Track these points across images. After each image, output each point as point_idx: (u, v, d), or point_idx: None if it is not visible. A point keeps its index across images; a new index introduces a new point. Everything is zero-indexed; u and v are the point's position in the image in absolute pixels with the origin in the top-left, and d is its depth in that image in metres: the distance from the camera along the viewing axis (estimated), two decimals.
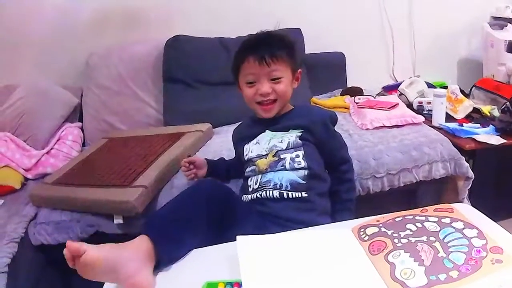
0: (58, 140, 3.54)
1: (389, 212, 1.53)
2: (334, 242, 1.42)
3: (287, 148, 2.13)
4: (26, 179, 3.30)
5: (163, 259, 1.54)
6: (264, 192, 2.05)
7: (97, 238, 2.69)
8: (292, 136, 2.16)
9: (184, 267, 1.50)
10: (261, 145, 2.22)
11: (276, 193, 2.02)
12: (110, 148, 3.36)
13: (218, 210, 1.76)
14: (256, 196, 2.08)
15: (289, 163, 2.08)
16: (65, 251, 1.42)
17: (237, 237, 1.43)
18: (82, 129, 3.84)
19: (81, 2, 3.89)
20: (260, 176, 2.14)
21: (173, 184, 2.72)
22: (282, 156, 2.12)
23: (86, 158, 3.26)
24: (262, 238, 1.46)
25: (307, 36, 3.86)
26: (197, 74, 3.64)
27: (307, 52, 3.92)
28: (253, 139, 2.29)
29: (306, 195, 2.01)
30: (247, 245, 1.40)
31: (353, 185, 2.40)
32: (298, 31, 3.86)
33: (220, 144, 3.06)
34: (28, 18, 3.85)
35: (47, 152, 3.43)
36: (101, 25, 3.98)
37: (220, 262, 1.45)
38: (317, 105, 2.68)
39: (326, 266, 1.31)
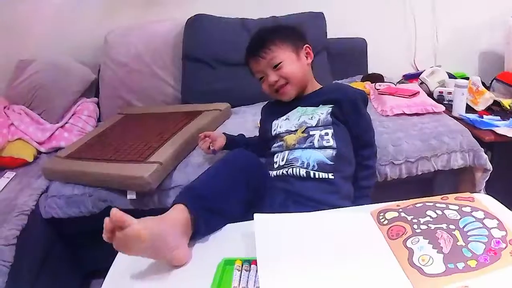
0: (73, 115, 3.57)
1: (405, 200, 1.52)
2: (353, 225, 1.41)
3: (317, 125, 2.14)
4: (39, 152, 3.33)
5: (201, 230, 1.54)
6: (291, 169, 2.03)
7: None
8: (323, 113, 2.17)
9: (201, 243, 1.50)
10: (291, 121, 2.24)
11: (303, 172, 2.01)
12: (125, 124, 3.36)
13: (253, 182, 1.77)
14: (282, 172, 2.07)
15: (318, 140, 2.09)
16: (107, 221, 1.38)
17: (255, 215, 1.42)
18: (98, 104, 3.86)
19: None
20: (287, 152, 2.13)
21: (188, 162, 2.72)
22: (311, 133, 2.12)
23: (100, 133, 3.26)
24: (279, 217, 1.45)
25: (329, 21, 3.82)
26: (217, 53, 3.63)
27: (329, 36, 3.89)
28: (283, 115, 2.32)
29: (332, 177, 1.99)
30: (264, 223, 1.40)
31: (373, 172, 2.36)
32: (321, 15, 3.83)
33: (238, 125, 3.05)
34: None
35: (62, 126, 3.46)
36: (121, 2, 3.99)
37: (237, 240, 1.45)
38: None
39: (343, 248, 1.30)
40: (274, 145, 2.26)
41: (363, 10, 4.15)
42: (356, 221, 1.43)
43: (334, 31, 3.93)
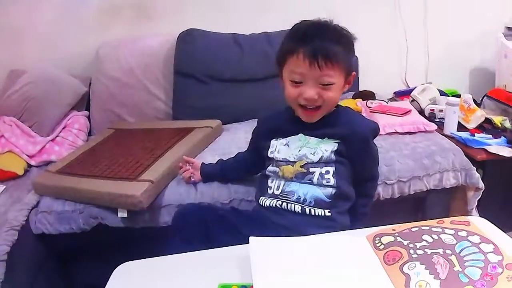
0: (64, 128, 3.54)
1: (397, 219, 1.53)
2: (348, 249, 1.40)
3: (318, 162, 1.97)
4: (30, 165, 3.31)
5: None
6: (285, 203, 1.97)
7: (99, 230, 2.69)
8: (327, 150, 1.97)
9: (195, 268, 1.47)
10: (290, 149, 2.05)
11: (298, 208, 1.94)
12: (116, 139, 3.35)
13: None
14: (276, 204, 2.00)
15: (318, 178, 1.96)
16: None
17: (250, 238, 1.41)
18: (88, 118, 3.84)
19: None
20: (283, 182, 2.03)
21: (180, 180, 2.71)
22: (311, 170, 1.97)
23: (91, 148, 3.25)
24: (275, 241, 1.44)
25: None
26: (209, 69, 3.61)
27: None
28: (283, 137, 2.10)
29: (329, 214, 1.93)
30: (259, 247, 1.39)
31: (372, 201, 2.29)
32: None
33: (230, 142, 3.06)
34: (40, 5, 3.86)
35: (52, 140, 3.43)
36: (113, 16, 3.98)
37: (232, 264, 1.43)
38: (359, 114, 2.40)
39: (339, 273, 1.29)
40: (269, 168, 2.11)
41: (354, 27, 4.14)
42: (352, 246, 1.42)
43: None
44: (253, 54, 3.61)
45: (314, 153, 1.99)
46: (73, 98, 3.70)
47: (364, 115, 3.30)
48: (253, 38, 3.73)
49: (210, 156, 2.90)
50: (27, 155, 3.29)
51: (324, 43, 1.86)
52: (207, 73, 3.61)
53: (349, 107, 2.22)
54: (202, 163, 2.62)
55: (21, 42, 3.92)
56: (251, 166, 2.42)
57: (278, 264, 1.33)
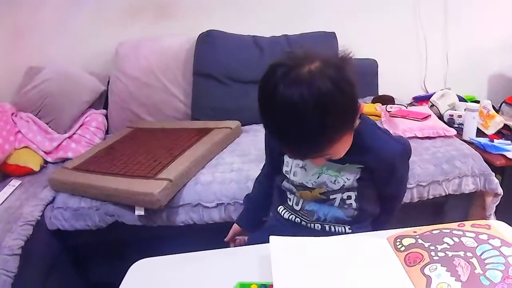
0: (81, 126, 3.57)
1: (416, 223, 1.51)
2: (369, 250, 1.40)
3: (340, 189, 1.76)
4: (46, 162, 3.33)
5: None
6: (305, 222, 1.87)
7: (115, 228, 2.72)
8: (350, 178, 1.73)
9: (215, 267, 1.47)
10: (308, 174, 1.80)
11: (318, 226, 1.85)
12: (135, 138, 3.36)
13: None
14: (295, 220, 1.90)
15: (339, 203, 1.79)
16: None
17: (270, 237, 1.40)
18: (106, 116, 3.85)
19: None
20: (302, 200, 1.86)
21: (198, 179, 2.72)
22: (331, 197, 1.79)
23: (109, 146, 3.26)
24: (295, 241, 1.43)
25: (341, 41, 3.83)
26: (228, 70, 3.61)
27: None
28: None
29: (350, 230, 1.84)
30: (280, 246, 1.38)
31: (392, 214, 2.02)
32: (332, 35, 3.85)
33: (249, 143, 3.06)
34: (60, 3, 3.89)
35: (69, 137, 3.46)
36: (133, 15, 4.00)
37: (252, 263, 1.43)
38: (384, 129, 1.91)
39: (359, 274, 1.29)
40: (285, 184, 1.91)
41: (375, 31, 4.16)
42: (373, 247, 1.41)
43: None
44: (273, 56, 3.57)
45: (335, 181, 1.76)
46: (91, 96, 3.71)
47: (383, 119, 3.30)
48: (273, 40, 3.72)
49: (229, 157, 2.93)
50: (43, 152, 3.32)
51: (306, 148, 1.49)
52: (227, 75, 3.61)
53: (374, 123, 1.80)
54: (235, 223, 2.24)
55: (40, 39, 3.95)
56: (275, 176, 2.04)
57: (298, 263, 1.33)
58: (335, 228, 1.83)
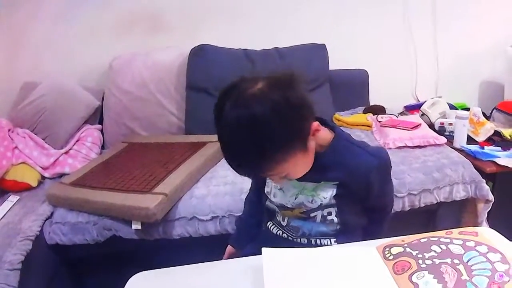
0: (77, 141, 3.58)
1: (408, 232, 1.53)
2: (359, 260, 1.42)
3: (318, 208, 1.75)
4: (43, 177, 3.34)
5: None
6: (291, 238, 1.86)
7: (113, 242, 2.74)
8: (326, 197, 1.72)
9: (209, 278, 1.48)
10: (286, 196, 1.80)
11: (304, 240, 1.84)
12: (130, 152, 3.38)
13: None
14: (283, 235, 1.89)
15: (320, 220, 1.78)
16: None
17: (263, 249, 1.43)
18: (101, 131, 3.87)
19: (108, 6, 3.94)
20: (287, 217, 1.85)
21: (192, 193, 2.75)
22: (311, 215, 1.77)
23: (105, 161, 3.28)
24: (287, 252, 1.46)
25: (331, 52, 3.86)
26: (221, 84, 3.52)
27: (331, 68, 3.92)
28: None
29: (335, 243, 1.81)
30: (272, 257, 1.41)
31: (382, 226, 1.99)
32: (323, 47, 3.87)
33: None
34: (53, 19, 3.92)
35: (66, 152, 3.47)
36: (126, 30, 4.03)
37: (245, 274, 1.44)
38: (359, 142, 1.82)
39: (350, 283, 1.31)
40: (268, 204, 1.91)
41: (364, 41, 4.19)
42: (363, 256, 1.43)
43: (336, 62, 3.95)
44: (264, 70, 3.59)
45: (312, 201, 1.74)
46: (86, 111, 3.73)
47: (374, 129, 3.33)
48: (264, 53, 3.74)
49: (223, 171, 2.95)
50: (40, 167, 3.33)
51: (246, 167, 1.56)
52: (219, 88, 3.52)
53: (347, 136, 1.77)
54: (228, 245, 2.19)
55: (34, 54, 3.97)
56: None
57: (290, 274, 1.36)
58: (320, 241, 1.80)
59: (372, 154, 1.74)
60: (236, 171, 1.54)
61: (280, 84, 1.45)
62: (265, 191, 1.90)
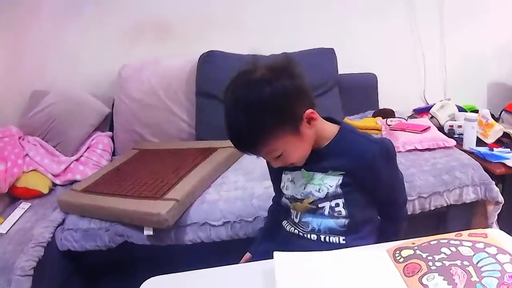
0: (88, 148, 3.61)
1: (419, 234, 1.54)
2: (370, 262, 1.44)
3: (326, 197, 1.82)
4: (54, 184, 3.36)
5: None
6: (302, 233, 1.91)
7: (125, 248, 2.75)
8: (332, 185, 1.79)
9: (221, 282, 1.50)
10: (296, 187, 1.89)
11: (313, 236, 1.88)
12: (141, 159, 3.40)
13: None
14: (295, 232, 1.94)
15: (329, 212, 1.83)
16: None
17: (274, 253, 1.44)
18: (112, 138, 3.88)
19: (117, 14, 3.97)
20: (299, 213, 1.92)
21: (204, 199, 2.77)
22: (320, 205, 1.84)
23: (116, 168, 3.30)
24: (299, 256, 1.47)
25: (340, 57, 3.87)
26: None
27: (340, 72, 3.93)
28: (288, 172, 1.94)
29: (344, 241, 1.83)
30: (284, 261, 1.42)
31: (401, 222, 2.04)
32: (331, 51, 3.88)
33: (252, 162, 3.06)
34: (63, 26, 3.94)
35: (77, 159, 3.50)
36: (136, 37, 4.05)
37: (257, 279, 1.45)
38: (363, 133, 1.92)
39: (361, 286, 1.32)
40: (283, 200, 2.00)
41: (373, 45, 4.19)
42: (373, 259, 1.44)
43: (345, 67, 3.95)
44: None
45: (319, 189, 1.83)
46: (96, 119, 3.76)
47: (384, 133, 3.33)
48: (273, 58, 3.72)
49: (233, 176, 2.98)
50: (52, 174, 3.35)
51: (245, 145, 1.72)
52: (226, 104, 3.58)
53: (352, 128, 1.90)
54: (248, 252, 2.21)
55: (43, 62, 4.00)
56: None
57: (302, 278, 1.37)
58: (329, 239, 1.85)
59: (375, 141, 1.82)
60: (237, 148, 1.72)
61: (279, 71, 1.62)
62: (281, 186, 1.98)
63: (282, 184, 1.99)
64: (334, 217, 1.84)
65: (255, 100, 1.58)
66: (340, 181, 1.79)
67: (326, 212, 1.84)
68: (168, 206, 2.51)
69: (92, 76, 4.05)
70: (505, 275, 1.21)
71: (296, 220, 1.94)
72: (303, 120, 1.66)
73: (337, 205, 1.82)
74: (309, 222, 1.89)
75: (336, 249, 1.66)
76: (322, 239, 1.86)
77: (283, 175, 1.98)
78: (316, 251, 1.62)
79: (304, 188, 1.86)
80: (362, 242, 1.79)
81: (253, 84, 1.61)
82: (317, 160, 1.81)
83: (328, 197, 1.82)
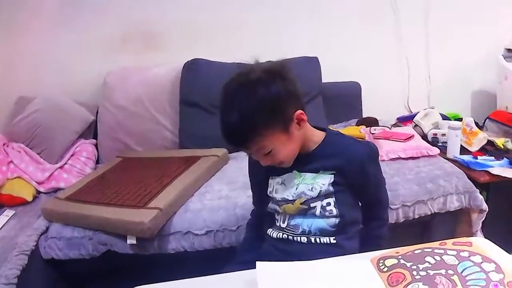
0: (72, 156, 3.58)
1: (403, 243, 1.53)
2: (353, 272, 1.43)
3: (318, 196, 1.88)
4: (38, 192, 3.34)
5: None
6: (292, 236, 1.94)
7: (108, 257, 2.73)
8: (325, 183, 1.87)
9: None
10: (287, 189, 1.95)
11: (304, 239, 1.91)
12: (125, 167, 3.38)
13: None
14: (283, 236, 1.97)
15: (320, 211, 1.88)
16: None
17: (257, 263, 1.42)
18: (96, 146, 3.86)
19: (102, 21, 3.95)
20: (287, 216, 1.96)
21: (187, 207, 2.75)
22: (312, 205, 1.89)
23: (100, 176, 3.28)
24: (281, 265, 1.46)
25: (324, 65, 3.88)
26: (213, 98, 3.52)
27: (324, 81, 3.94)
28: (278, 176, 1.99)
29: (334, 241, 1.89)
30: (266, 271, 1.41)
31: (385, 223, 2.15)
32: (315, 60, 3.90)
33: (236, 170, 3.07)
34: (48, 34, 3.92)
35: (61, 167, 3.48)
36: (120, 45, 4.03)
37: None
38: (349, 135, 2.15)
39: None
40: (270, 205, 2.04)
41: (356, 54, 4.20)
42: (357, 269, 1.43)
43: (328, 75, 3.97)
44: None
45: (312, 188, 1.90)
46: (81, 126, 3.73)
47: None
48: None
49: (217, 185, 2.96)
50: (36, 182, 3.33)
51: (237, 139, 1.80)
52: (212, 103, 3.57)
53: (339, 132, 2.13)
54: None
55: (29, 69, 3.97)
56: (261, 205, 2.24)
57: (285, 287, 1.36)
58: (320, 240, 1.89)
59: (363, 144, 2.04)
60: (230, 145, 1.83)
61: (273, 74, 1.75)
62: (268, 192, 2.04)
63: (270, 189, 2.03)
64: (325, 216, 1.89)
65: (249, 100, 1.70)
66: (332, 179, 1.88)
67: (318, 212, 1.89)
68: (151, 215, 2.50)
69: (78, 83, 4.02)
70: (490, 283, 1.20)
71: (284, 225, 1.97)
72: (293, 120, 1.78)
73: (328, 204, 1.89)
74: (299, 224, 1.92)
75: (327, 249, 1.85)
76: (313, 240, 1.89)
77: (270, 180, 2.04)
78: (306, 253, 1.73)
79: (297, 188, 1.92)
80: (350, 243, 1.93)
81: (249, 84, 1.73)
82: (308, 162, 1.91)
83: (320, 196, 1.88)
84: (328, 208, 1.88)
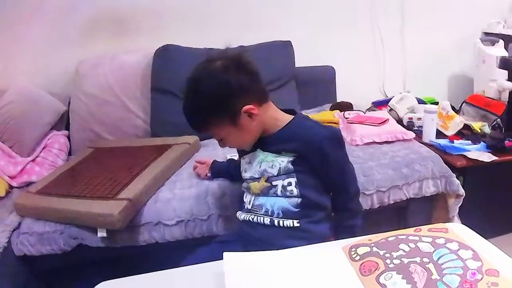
0: (44, 148, 3.53)
1: (378, 230, 1.50)
2: (324, 261, 1.40)
3: (278, 174, 1.96)
4: (11, 186, 3.27)
5: None
6: (256, 217, 2.00)
7: (80, 251, 2.67)
8: (284, 161, 1.94)
9: (172, 285, 1.46)
10: (253, 166, 2.05)
11: (267, 220, 1.96)
12: (96, 158, 3.33)
13: None
14: (248, 218, 2.04)
15: (281, 190, 1.96)
16: None
17: (224, 254, 1.40)
18: (68, 137, 3.81)
19: (72, 10, 3.88)
20: (253, 197, 2.05)
21: (157, 197, 2.71)
22: (274, 183, 1.97)
23: (71, 168, 3.23)
24: (249, 256, 1.44)
25: (297, 49, 3.86)
26: (184, 85, 3.57)
27: (297, 65, 3.93)
28: (246, 155, 2.12)
29: (298, 224, 1.92)
30: (233, 262, 1.38)
31: (356, 214, 2.11)
32: (288, 44, 3.88)
33: (207, 158, 2.99)
34: (19, 24, 3.84)
35: (33, 160, 3.42)
36: (92, 33, 3.98)
37: (206, 281, 1.41)
38: (314, 120, 2.16)
39: (315, 285, 1.28)
40: (244, 184, 2.15)
41: (331, 38, 4.19)
42: (328, 257, 1.41)
43: (302, 59, 3.95)
44: None
45: (272, 166, 1.99)
46: (53, 117, 3.68)
47: (341, 126, 3.31)
48: (228, 52, 3.68)
49: (187, 174, 2.93)
50: (8, 176, 3.28)
51: (191, 121, 2.00)
52: (183, 89, 3.54)
53: (306, 116, 2.16)
54: (214, 161, 2.80)
55: (2, 61, 3.90)
56: None
57: (252, 278, 1.33)
58: (283, 223, 1.94)
59: (324, 127, 2.05)
60: (191, 127, 2.02)
61: (228, 67, 1.87)
62: (241, 170, 2.17)
63: (241, 169, 2.16)
64: (286, 196, 1.96)
65: (199, 93, 1.91)
66: (291, 160, 1.94)
67: (279, 192, 1.96)
68: (121, 206, 2.45)
69: (50, 73, 3.98)
70: (467, 271, 1.17)
71: (249, 206, 2.06)
72: (240, 114, 1.89)
73: (289, 184, 1.95)
74: (263, 204, 2.00)
75: (291, 233, 1.93)
76: (276, 223, 1.95)
77: (242, 160, 2.17)
78: (271, 238, 1.93)
79: (260, 166, 2.02)
80: (316, 227, 1.98)
81: (203, 77, 1.93)
82: (272, 144, 2.00)
83: (281, 175, 1.96)
84: (289, 188, 1.95)
